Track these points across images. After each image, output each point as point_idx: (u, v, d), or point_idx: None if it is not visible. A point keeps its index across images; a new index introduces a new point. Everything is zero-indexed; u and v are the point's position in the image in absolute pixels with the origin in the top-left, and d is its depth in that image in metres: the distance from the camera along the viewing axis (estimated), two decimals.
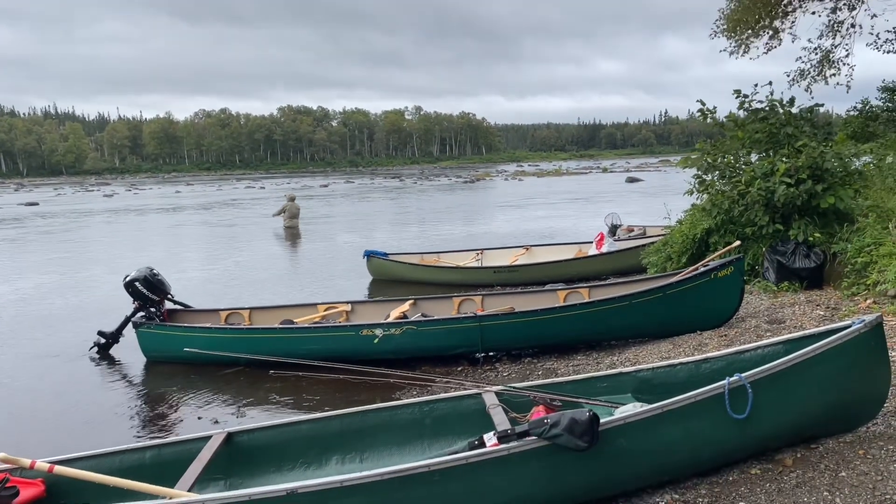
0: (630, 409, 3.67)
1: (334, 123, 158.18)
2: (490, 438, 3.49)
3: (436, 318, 7.04)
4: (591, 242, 11.52)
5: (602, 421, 3.38)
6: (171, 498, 3.35)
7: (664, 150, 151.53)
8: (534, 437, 3.36)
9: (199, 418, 5.67)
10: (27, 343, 8.28)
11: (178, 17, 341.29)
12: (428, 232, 19.23)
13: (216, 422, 5.54)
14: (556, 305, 7.05)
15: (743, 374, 3.56)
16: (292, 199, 21.77)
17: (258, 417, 5.62)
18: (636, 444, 3.48)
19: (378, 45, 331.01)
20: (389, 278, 11.41)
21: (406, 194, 40.90)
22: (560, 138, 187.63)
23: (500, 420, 3.84)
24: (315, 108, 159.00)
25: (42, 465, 3.51)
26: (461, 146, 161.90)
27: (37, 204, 40.66)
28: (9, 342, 8.34)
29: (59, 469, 3.51)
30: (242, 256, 15.77)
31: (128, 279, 7.33)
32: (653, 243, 9.56)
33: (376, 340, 6.62)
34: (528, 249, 11.84)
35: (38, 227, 25.73)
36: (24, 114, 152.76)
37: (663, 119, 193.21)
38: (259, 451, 4.22)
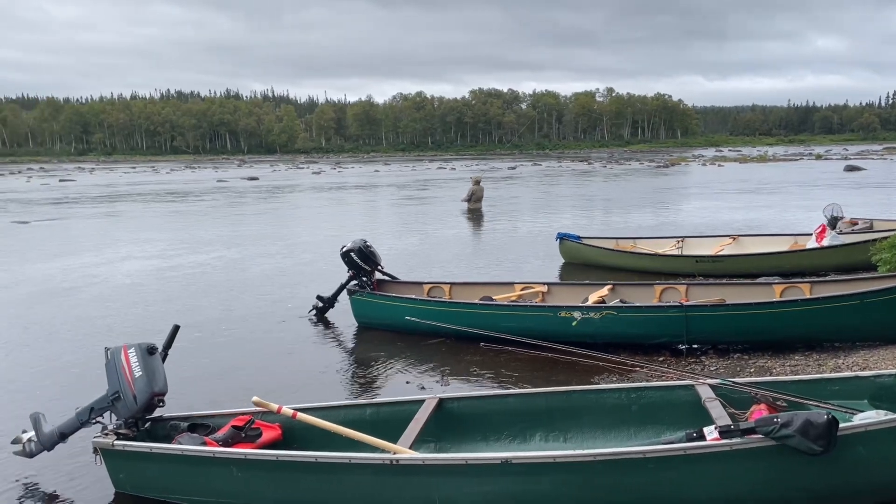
0: (873, 415, 3.35)
1: (523, 106, 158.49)
2: (710, 432, 3.37)
3: (637, 304, 6.88)
4: (807, 234, 10.60)
5: (840, 426, 3.13)
6: (394, 453, 3.59)
7: (890, 135, 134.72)
8: (760, 436, 3.19)
9: (407, 382, 6.01)
10: (255, 301, 9.24)
11: (374, 2, 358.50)
12: (615, 218, 18.75)
13: (422, 387, 5.84)
14: (773, 300, 6.58)
15: None
16: (477, 182, 22.24)
17: (461, 387, 5.85)
18: (879, 454, 3.18)
19: (567, 24, 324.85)
20: (582, 262, 11.28)
21: (594, 178, 40.12)
22: (766, 122, 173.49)
23: (719, 414, 3.68)
24: (505, 90, 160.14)
25: (287, 410, 3.93)
26: (654, 129, 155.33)
27: (257, 179, 45.01)
28: (241, 300, 9.36)
29: (301, 416, 3.91)
30: (431, 234, 16.44)
31: (344, 249, 7.91)
32: (885, 238, 8.58)
33: (574, 323, 6.60)
34: (735, 239, 11.14)
35: (260, 199, 28.52)
36: (246, 97, 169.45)
37: (890, 101, 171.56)
38: (467, 419, 4.40)
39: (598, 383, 5.67)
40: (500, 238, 15.42)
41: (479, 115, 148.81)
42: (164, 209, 24.84)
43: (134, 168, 72.60)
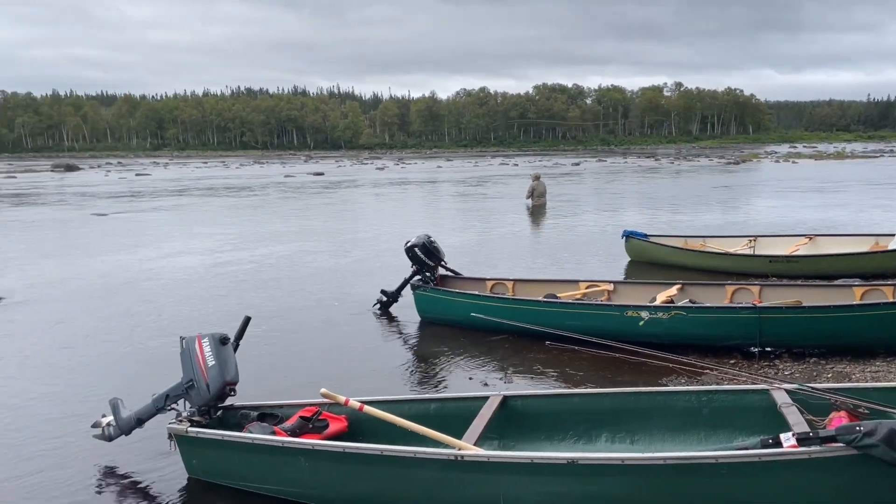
0: None
1: (588, 101, 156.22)
2: (787, 439, 3.24)
3: (708, 305, 6.69)
4: (889, 235, 10.11)
5: None
6: (459, 449, 3.59)
7: None
8: (841, 445, 3.05)
9: (471, 379, 6.01)
10: (320, 295, 9.40)
11: None
12: (683, 216, 18.28)
13: (486, 384, 5.83)
14: (853, 303, 6.30)
15: None
16: (537, 178, 22.05)
17: (525, 385, 5.82)
18: None
19: (634, 17, 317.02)
20: (649, 261, 11.04)
21: (660, 175, 39.24)
22: (843, 117, 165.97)
23: (797, 421, 3.54)
24: (570, 85, 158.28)
25: (354, 403, 3.98)
26: (724, 125, 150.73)
27: (322, 174, 45.79)
28: (307, 293, 9.53)
29: (367, 409, 3.95)
30: (493, 230, 16.41)
31: (408, 244, 7.96)
32: None
33: (641, 323, 6.47)
34: (811, 239, 10.71)
35: (325, 195, 29.02)
36: (312, 93, 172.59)
37: None
38: (531, 417, 4.36)
39: (666, 385, 5.54)
40: (562, 235, 15.25)
41: (543, 110, 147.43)
42: (234, 203, 25.54)
43: (205, 163, 74.91)
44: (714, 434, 4.12)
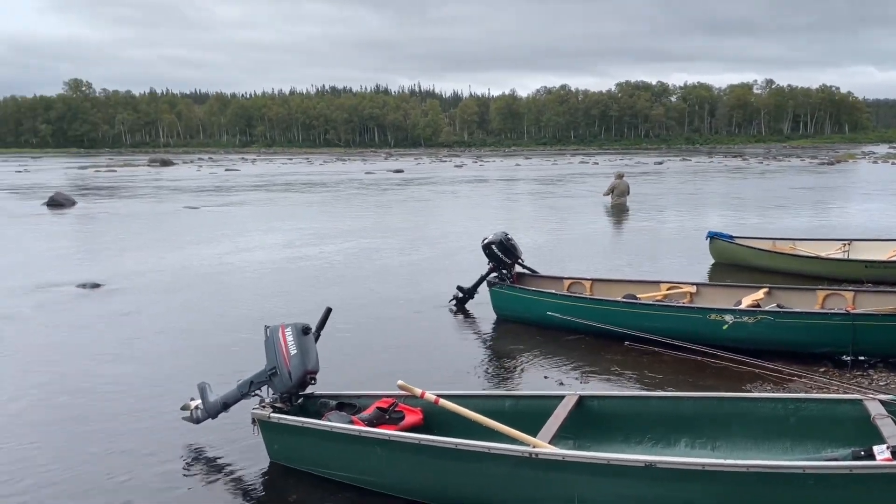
0: None
1: (673, 99, 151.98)
2: (882, 451, 3.08)
3: (798, 310, 6.42)
4: None
5: None
6: (534, 446, 3.58)
7: None
8: None
9: (546, 377, 5.97)
10: (396, 289, 9.53)
11: None
12: (771, 218, 17.57)
13: (561, 383, 5.78)
14: None
15: None
16: (621, 177, 21.61)
17: (602, 386, 5.74)
18: None
19: (724, 12, 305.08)
20: (734, 263, 10.68)
21: (748, 175, 37.81)
22: None
23: (892, 433, 3.36)
24: (654, 82, 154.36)
25: (429, 396, 4.03)
26: (818, 124, 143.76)
27: (402, 171, 46.36)
28: (383, 287, 9.69)
29: (442, 402, 3.99)
30: (571, 228, 16.23)
31: (486, 241, 7.97)
32: None
33: (725, 327, 6.27)
34: None
35: (404, 191, 29.39)
36: (394, 92, 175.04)
37: None
38: (607, 418, 4.30)
39: (751, 391, 5.36)
40: (643, 235, 14.92)
41: (626, 108, 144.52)
42: (314, 199, 26.21)
43: (290, 160, 77.09)
44: (801, 444, 3.96)
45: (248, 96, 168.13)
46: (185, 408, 4.75)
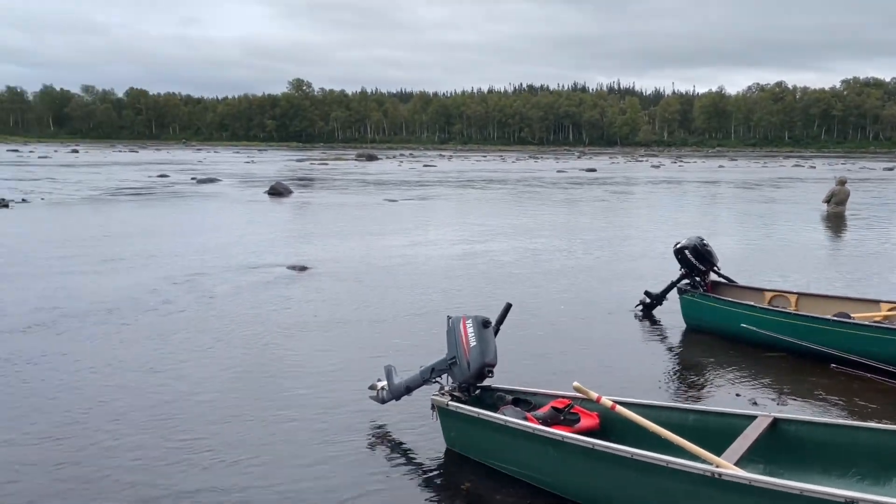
0: None
1: None
2: None
3: None
4: None
5: None
6: (716, 466, 3.37)
7: None
8: None
9: (738, 395, 5.56)
10: (578, 290, 9.39)
11: None
12: None
13: (755, 403, 5.36)
14: None
15: None
16: (842, 184, 19.51)
17: (800, 410, 5.23)
18: None
19: None
20: None
21: None
22: None
23: None
24: (888, 79, 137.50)
25: (606, 401, 3.93)
26: None
27: (594, 170, 45.59)
28: (565, 287, 9.58)
29: (619, 409, 3.88)
30: (778, 237, 14.97)
31: (678, 246, 7.59)
32: None
33: None
34: None
35: (595, 191, 28.86)
36: (591, 89, 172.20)
37: None
38: (804, 446, 3.92)
39: None
40: (864, 248, 13.38)
41: (852, 107, 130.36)
42: (507, 195, 26.55)
43: (485, 156, 78.87)
44: None
45: (448, 95, 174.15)
46: (372, 387, 5.05)
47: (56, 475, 4.17)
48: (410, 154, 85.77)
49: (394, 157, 74.44)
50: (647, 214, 20.36)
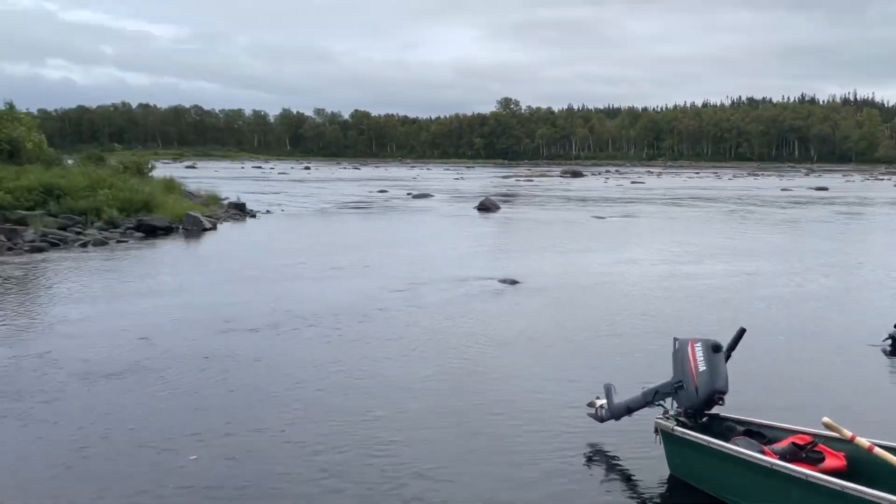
0: None
1: None
2: None
3: None
4: None
5: None
6: None
7: None
8: None
9: None
10: (816, 320, 8.59)
11: None
12: None
13: None
14: None
15: None
16: None
17: None
18: None
19: None
20: None
21: None
22: None
23: None
24: None
25: (862, 441, 3.56)
26: None
27: (825, 189, 41.46)
28: (800, 318, 8.81)
29: (878, 451, 3.49)
30: None
31: None
32: None
33: None
34: None
35: (827, 211, 26.23)
36: (822, 101, 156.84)
37: None
38: None
39: None
40: None
41: None
42: (719, 214, 24.98)
43: (697, 173, 74.94)
44: None
45: (658, 110, 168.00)
46: (590, 405, 5.01)
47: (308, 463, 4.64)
48: (616, 171, 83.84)
49: (599, 173, 73.25)
50: (884, 240, 18.13)
